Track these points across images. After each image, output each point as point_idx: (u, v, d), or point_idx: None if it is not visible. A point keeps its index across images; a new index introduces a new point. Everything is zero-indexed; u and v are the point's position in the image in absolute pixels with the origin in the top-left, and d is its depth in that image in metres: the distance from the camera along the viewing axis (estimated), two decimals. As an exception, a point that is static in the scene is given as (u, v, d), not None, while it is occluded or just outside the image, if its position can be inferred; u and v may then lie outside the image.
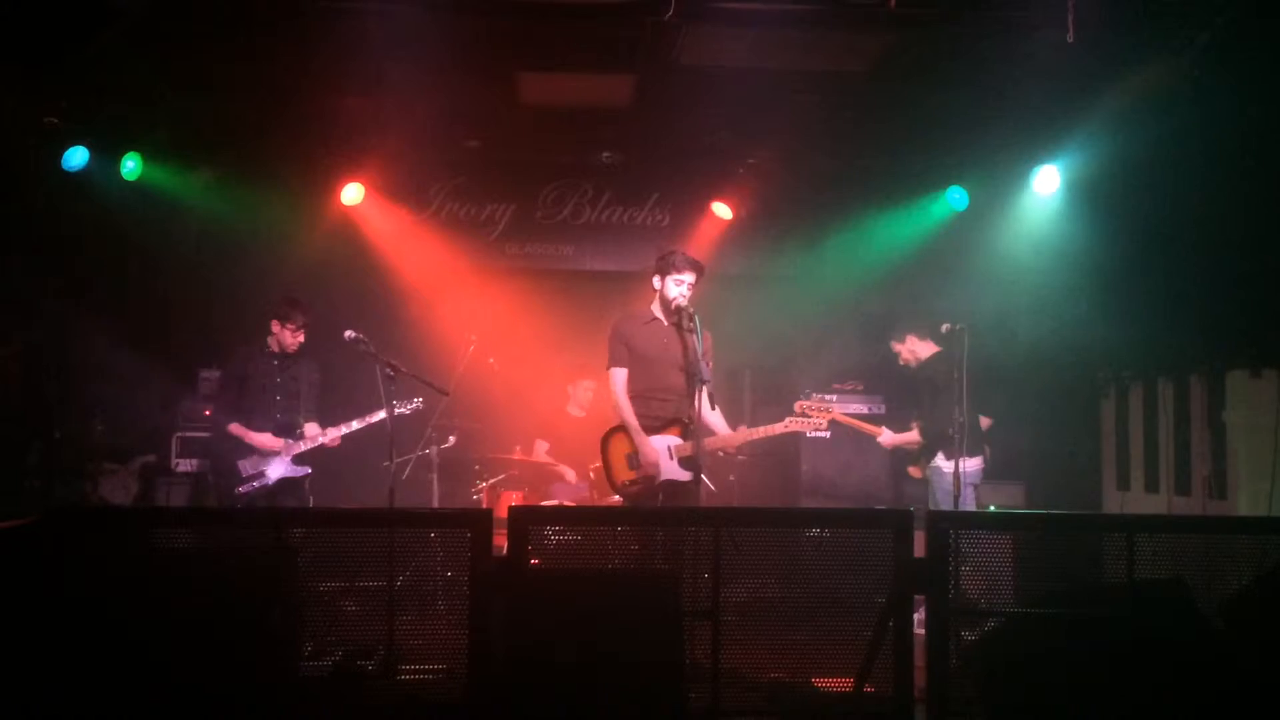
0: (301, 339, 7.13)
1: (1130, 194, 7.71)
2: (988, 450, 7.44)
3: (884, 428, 7.68)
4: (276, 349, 7.14)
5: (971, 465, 7.16)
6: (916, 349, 7.52)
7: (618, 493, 6.20)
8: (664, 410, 6.11)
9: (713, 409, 6.04)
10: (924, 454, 7.45)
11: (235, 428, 7.02)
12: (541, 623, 4.16)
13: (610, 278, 9.27)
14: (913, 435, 7.51)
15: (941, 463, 7.24)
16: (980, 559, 4.38)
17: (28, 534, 4.28)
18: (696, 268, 6.13)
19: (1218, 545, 4.44)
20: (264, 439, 7.00)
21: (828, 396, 8.59)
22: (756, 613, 4.53)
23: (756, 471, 8.68)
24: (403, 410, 6.90)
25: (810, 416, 6.60)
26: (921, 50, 6.88)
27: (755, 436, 6.41)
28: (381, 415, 6.70)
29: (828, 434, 8.64)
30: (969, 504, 7.07)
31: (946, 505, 7.01)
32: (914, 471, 7.69)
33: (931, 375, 7.36)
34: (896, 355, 7.66)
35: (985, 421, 7.46)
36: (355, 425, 7.02)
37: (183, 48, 6.93)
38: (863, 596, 4.55)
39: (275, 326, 7.10)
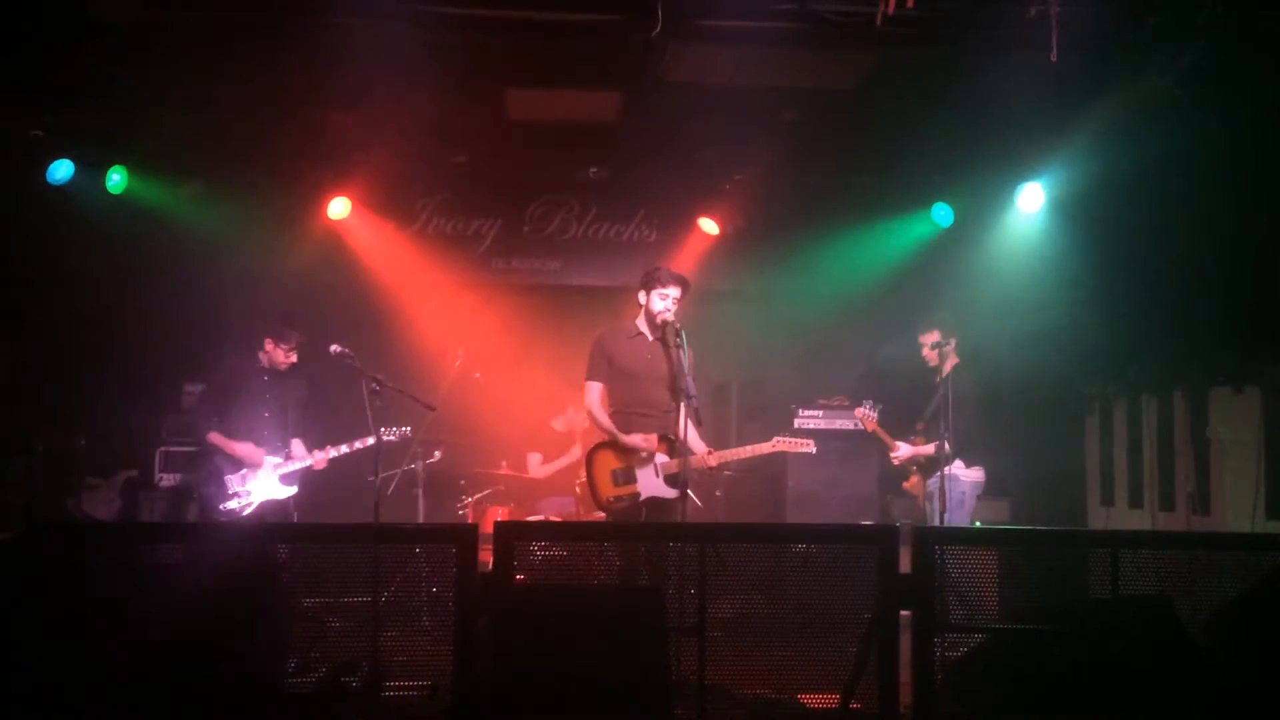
0: (294, 359, 7.05)
1: (1114, 212, 7.77)
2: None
3: (899, 442, 7.49)
4: (267, 364, 7.07)
5: (979, 475, 7.26)
6: (948, 356, 7.34)
7: (602, 509, 6.16)
8: (646, 426, 6.09)
9: (698, 425, 6.03)
10: (935, 465, 7.16)
11: (214, 437, 6.90)
12: (527, 639, 4.15)
13: (597, 293, 9.27)
14: (928, 449, 7.30)
15: (960, 471, 7.18)
16: (965, 575, 4.38)
17: (11, 549, 4.25)
18: (681, 282, 6.13)
19: (1201, 561, 4.45)
20: (245, 449, 6.90)
21: (814, 412, 8.60)
22: (742, 629, 4.52)
23: (743, 487, 8.66)
24: (390, 437, 6.85)
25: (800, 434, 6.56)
26: (907, 68, 6.93)
27: (742, 455, 6.37)
28: (370, 441, 6.66)
29: (813, 450, 8.60)
30: (974, 512, 7.12)
31: (953, 513, 6.99)
32: (912, 485, 7.57)
33: (956, 385, 7.16)
34: (923, 347, 7.45)
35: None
36: (344, 449, 6.97)
37: (168, 61, 6.91)
38: (849, 613, 4.55)
39: (269, 345, 7.01)
